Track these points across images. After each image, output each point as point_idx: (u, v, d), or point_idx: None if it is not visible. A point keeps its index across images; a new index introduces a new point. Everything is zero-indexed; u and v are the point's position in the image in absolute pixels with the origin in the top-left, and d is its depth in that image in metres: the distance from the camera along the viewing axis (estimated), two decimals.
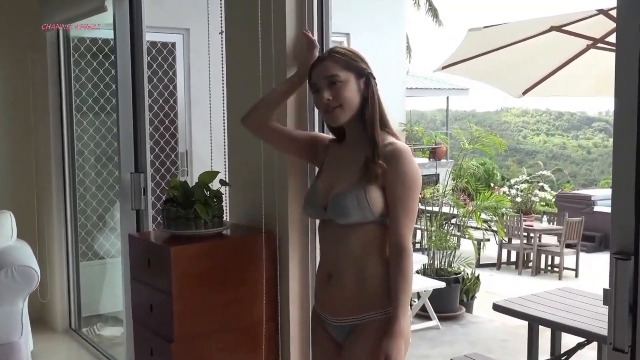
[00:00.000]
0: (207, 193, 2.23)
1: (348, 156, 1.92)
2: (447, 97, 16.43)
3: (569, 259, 8.62)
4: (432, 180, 12.44)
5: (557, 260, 8.68)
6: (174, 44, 5.44)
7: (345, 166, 1.90)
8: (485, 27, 3.83)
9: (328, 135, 2.09)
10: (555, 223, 9.25)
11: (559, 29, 3.78)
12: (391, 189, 1.80)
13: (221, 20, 2.46)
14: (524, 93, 4.54)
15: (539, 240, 8.95)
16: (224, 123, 2.45)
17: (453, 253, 6.32)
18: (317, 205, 1.91)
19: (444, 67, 4.32)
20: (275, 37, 2.17)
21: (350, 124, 1.91)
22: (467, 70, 4.43)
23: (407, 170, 1.79)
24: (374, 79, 1.91)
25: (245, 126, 2.10)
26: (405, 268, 1.76)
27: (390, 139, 1.86)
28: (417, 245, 9.06)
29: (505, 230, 8.25)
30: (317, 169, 2.07)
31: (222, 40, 2.46)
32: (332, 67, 1.87)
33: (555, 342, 3.91)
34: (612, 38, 3.59)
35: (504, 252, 9.14)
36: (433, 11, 17.13)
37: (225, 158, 2.46)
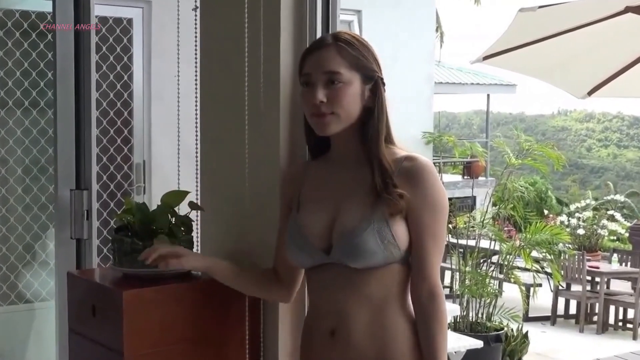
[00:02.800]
0: (173, 220, 2.22)
1: (344, 178, 1.92)
2: (488, 96, 16.52)
3: None
4: (466, 204, 12.45)
5: (630, 313, 8.66)
6: (130, 21, 5.46)
7: (345, 193, 1.90)
8: (540, 7, 3.86)
9: (296, 166, 2.10)
10: (628, 264, 9.24)
11: (636, 9, 3.80)
12: (416, 217, 1.81)
13: None
14: (590, 93, 4.57)
15: (607, 287, 8.93)
16: (196, 126, 2.45)
17: (494, 302, 6.32)
18: (312, 248, 1.90)
19: (485, 58, 4.35)
20: (265, 14, 2.18)
21: (341, 135, 1.90)
22: (515, 62, 4.46)
23: (434, 192, 1.82)
24: (384, 84, 1.92)
25: None
26: (442, 318, 1.82)
27: (403, 152, 1.88)
28: (447, 291, 9.03)
29: (562, 272, 8.25)
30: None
31: (195, 18, 2.46)
32: (336, 61, 1.86)
33: None
34: None
35: (561, 301, 9.12)
36: None
37: (197, 173, 2.46)
